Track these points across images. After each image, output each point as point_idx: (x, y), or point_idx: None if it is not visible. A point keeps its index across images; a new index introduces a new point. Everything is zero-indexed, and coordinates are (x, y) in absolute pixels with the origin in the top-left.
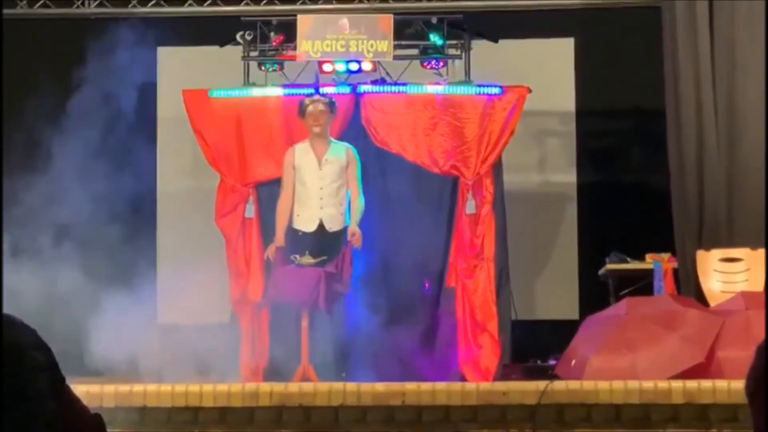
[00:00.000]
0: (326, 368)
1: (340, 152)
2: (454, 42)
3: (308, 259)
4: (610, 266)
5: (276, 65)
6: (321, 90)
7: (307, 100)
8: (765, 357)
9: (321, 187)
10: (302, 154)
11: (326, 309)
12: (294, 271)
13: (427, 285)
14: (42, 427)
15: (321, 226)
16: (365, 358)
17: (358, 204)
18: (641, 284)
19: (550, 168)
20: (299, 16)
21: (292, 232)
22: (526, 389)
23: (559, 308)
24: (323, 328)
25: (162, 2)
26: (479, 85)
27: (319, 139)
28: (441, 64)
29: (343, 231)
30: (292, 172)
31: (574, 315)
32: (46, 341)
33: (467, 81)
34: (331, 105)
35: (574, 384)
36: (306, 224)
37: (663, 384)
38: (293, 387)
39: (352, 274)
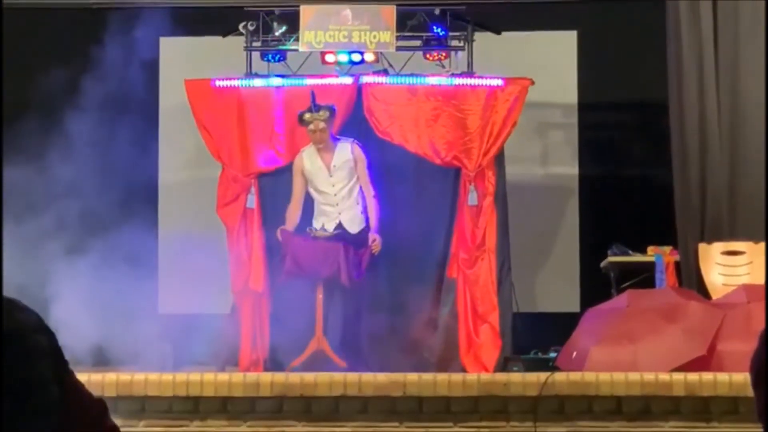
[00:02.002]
0: (337, 343)
1: (347, 153)
2: (456, 33)
3: (323, 232)
4: (611, 259)
5: (278, 56)
6: (323, 80)
7: (306, 116)
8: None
9: (335, 194)
10: (311, 161)
11: (347, 283)
12: (314, 244)
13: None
14: (44, 412)
15: (341, 227)
16: (366, 349)
17: (374, 204)
18: (643, 277)
19: (552, 160)
20: (302, 7)
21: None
22: (527, 381)
23: (561, 300)
24: (338, 302)
25: None
26: (482, 77)
27: (321, 150)
28: (444, 55)
29: (363, 232)
30: (301, 178)
31: (576, 307)
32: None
33: (470, 72)
34: (330, 116)
35: (575, 376)
36: (327, 228)
37: (664, 376)
38: (294, 377)
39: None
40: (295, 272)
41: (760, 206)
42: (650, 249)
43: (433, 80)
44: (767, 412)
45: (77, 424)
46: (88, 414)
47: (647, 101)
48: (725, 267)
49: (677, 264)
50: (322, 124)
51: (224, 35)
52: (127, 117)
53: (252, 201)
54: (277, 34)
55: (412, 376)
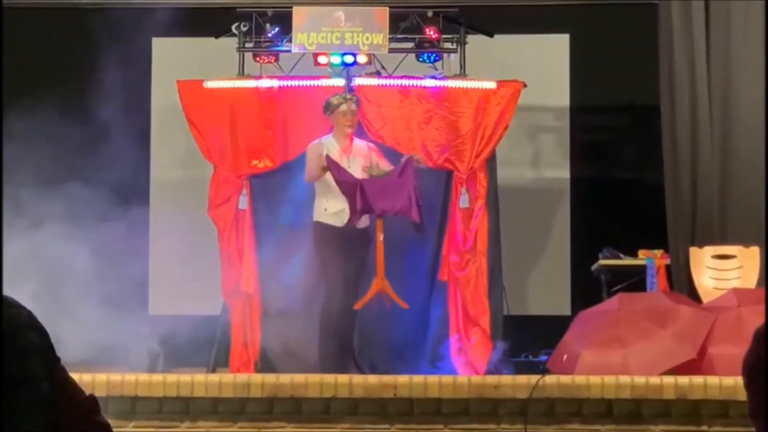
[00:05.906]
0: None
1: (364, 149)
2: (449, 36)
3: (377, 171)
4: (602, 262)
5: (271, 57)
6: (315, 82)
7: (335, 99)
8: (766, 341)
9: None
10: (330, 149)
11: (417, 218)
12: (380, 181)
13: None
14: (36, 408)
15: (350, 220)
16: (358, 351)
17: None
18: (634, 280)
19: (543, 163)
20: (295, 8)
21: (320, 227)
22: (517, 383)
23: (552, 303)
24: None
25: None
26: (474, 80)
27: (346, 137)
28: (436, 57)
29: (369, 228)
30: (318, 160)
31: (567, 310)
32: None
33: (462, 75)
34: (357, 103)
35: (565, 378)
36: (334, 219)
37: (654, 379)
38: (285, 378)
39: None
40: (365, 209)
41: (751, 210)
42: (641, 252)
43: (425, 82)
44: (765, 410)
45: (69, 420)
46: (80, 410)
47: (639, 104)
48: (716, 271)
49: (668, 268)
50: (353, 106)
51: (217, 36)
52: (119, 117)
53: (243, 202)
54: (269, 35)
55: (403, 378)
